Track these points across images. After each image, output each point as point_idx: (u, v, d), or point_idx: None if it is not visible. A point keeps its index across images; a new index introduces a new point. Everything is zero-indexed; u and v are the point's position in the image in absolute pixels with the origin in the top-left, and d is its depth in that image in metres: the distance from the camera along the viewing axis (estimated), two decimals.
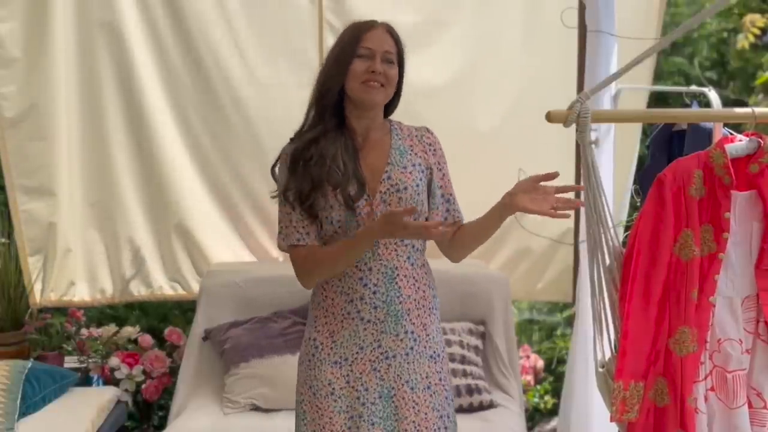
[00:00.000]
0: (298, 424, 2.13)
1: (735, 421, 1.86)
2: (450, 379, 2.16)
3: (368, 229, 1.97)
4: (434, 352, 2.11)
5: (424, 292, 2.10)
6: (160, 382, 3.68)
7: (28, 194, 3.58)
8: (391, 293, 2.04)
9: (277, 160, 2.12)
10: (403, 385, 2.06)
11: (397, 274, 2.05)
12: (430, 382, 2.09)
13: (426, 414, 2.06)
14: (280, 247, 2.12)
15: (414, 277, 2.08)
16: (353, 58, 2.04)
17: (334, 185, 2.01)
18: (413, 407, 2.06)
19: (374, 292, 2.04)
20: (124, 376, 3.59)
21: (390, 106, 2.15)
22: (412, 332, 2.07)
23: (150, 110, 3.62)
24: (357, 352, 2.06)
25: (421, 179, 2.09)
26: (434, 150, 2.15)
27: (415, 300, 2.07)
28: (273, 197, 2.13)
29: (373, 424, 2.04)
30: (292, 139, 2.12)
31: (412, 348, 2.07)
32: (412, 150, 2.11)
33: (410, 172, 2.07)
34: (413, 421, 2.05)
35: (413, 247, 2.08)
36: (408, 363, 2.06)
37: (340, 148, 2.04)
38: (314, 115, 2.09)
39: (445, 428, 2.09)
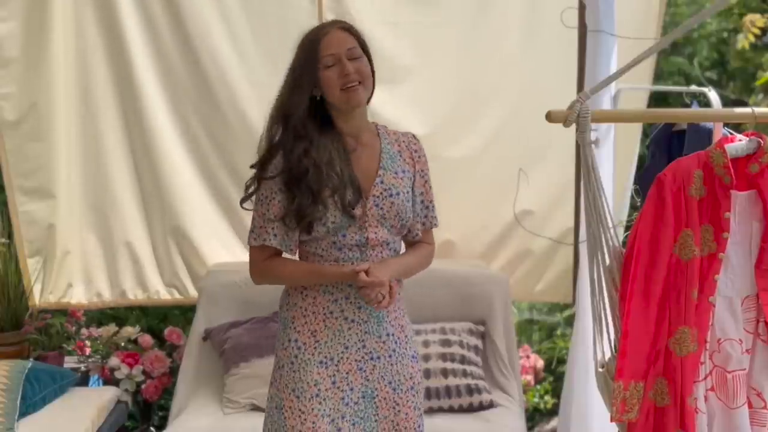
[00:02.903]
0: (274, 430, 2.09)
1: (735, 421, 1.87)
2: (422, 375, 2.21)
3: (342, 275, 2.02)
4: (414, 351, 2.16)
5: (398, 294, 2.13)
6: (160, 382, 3.68)
7: (27, 195, 3.57)
8: None
9: (249, 195, 2.12)
10: (385, 386, 2.08)
11: None
12: (413, 383, 2.12)
13: (407, 414, 2.10)
14: (250, 244, 2.12)
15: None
16: (320, 70, 2.02)
17: (332, 190, 2.01)
18: (393, 407, 2.09)
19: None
20: (124, 376, 3.59)
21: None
22: (393, 334, 2.10)
23: (149, 111, 3.60)
24: (342, 352, 2.07)
25: (409, 186, 2.11)
26: (419, 157, 2.15)
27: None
28: (244, 206, 2.15)
29: (354, 424, 2.06)
30: (256, 165, 2.10)
31: (394, 350, 2.10)
32: (400, 155, 2.12)
33: (401, 178, 2.09)
34: (392, 420, 2.09)
35: (395, 250, 2.12)
36: (392, 365, 2.09)
37: (333, 152, 2.03)
38: (281, 131, 2.06)
39: (420, 425, 2.14)
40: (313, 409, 2.04)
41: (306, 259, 2.11)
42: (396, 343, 2.10)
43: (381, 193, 2.05)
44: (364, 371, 2.07)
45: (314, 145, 2.02)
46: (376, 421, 2.08)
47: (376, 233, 2.05)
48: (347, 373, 2.06)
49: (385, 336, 2.08)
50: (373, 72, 2.10)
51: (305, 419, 2.03)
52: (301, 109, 2.03)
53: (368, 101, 2.13)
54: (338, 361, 2.06)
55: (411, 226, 2.14)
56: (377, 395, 2.08)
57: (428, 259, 2.22)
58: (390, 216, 2.06)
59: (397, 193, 2.06)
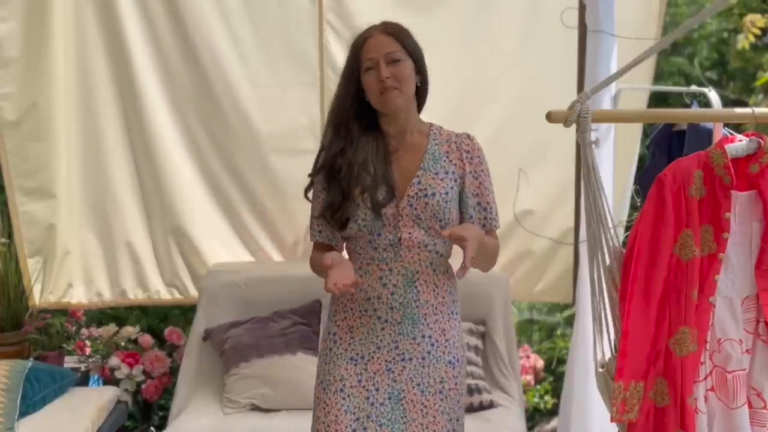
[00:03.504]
0: (313, 421, 2.15)
1: (735, 421, 1.87)
2: (465, 382, 2.16)
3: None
4: (453, 357, 2.10)
5: (443, 297, 2.10)
6: (160, 382, 3.68)
7: (27, 195, 3.57)
8: (409, 296, 2.05)
9: (309, 186, 2.16)
10: (413, 387, 2.07)
11: (417, 278, 2.06)
12: (443, 387, 2.09)
13: (435, 417, 2.07)
14: (310, 239, 2.20)
15: (435, 283, 2.08)
16: (361, 74, 2.06)
17: (362, 190, 2.04)
18: (421, 410, 2.07)
19: (392, 293, 2.05)
20: (124, 376, 3.59)
21: (419, 100, 2.15)
22: (430, 336, 2.07)
23: (149, 111, 3.61)
24: (374, 351, 2.07)
25: (452, 187, 2.08)
26: (471, 157, 2.13)
27: (433, 305, 2.08)
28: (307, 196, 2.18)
29: (381, 426, 2.05)
30: (316, 163, 2.14)
31: (429, 352, 2.07)
32: (447, 157, 2.11)
33: (441, 179, 2.08)
34: (421, 423, 2.06)
35: (437, 252, 2.09)
36: (423, 367, 2.07)
37: (370, 152, 2.06)
38: (331, 132, 2.11)
39: (453, 430, 2.10)
40: (336, 403, 2.05)
41: (350, 257, 2.14)
42: (432, 345, 2.07)
43: (416, 194, 2.05)
44: (393, 372, 2.06)
45: (353, 145, 2.06)
46: (404, 423, 2.06)
47: (410, 234, 2.04)
48: (374, 373, 2.06)
49: (420, 338, 2.07)
50: (422, 74, 2.11)
51: (329, 411, 2.06)
52: (347, 111, 2.07)
53: (422, 104, 2.16)
54: (368, 360, 2.07)
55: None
56: (404, 397, 2.07)
57: (497, 250, 2.16)
58: (425, 217, 2.05)
59: (433, 194, 2.05)
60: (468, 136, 2.16)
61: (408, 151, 2.10)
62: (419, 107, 2.16)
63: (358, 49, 2.08)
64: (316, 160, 2.14)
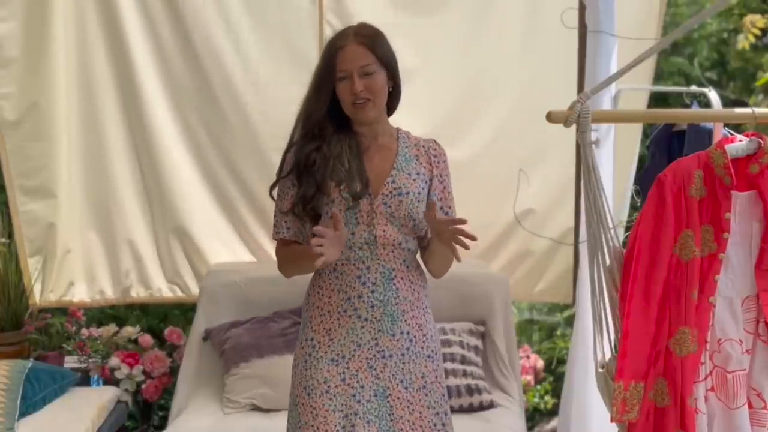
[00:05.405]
0: (291, 428, 2.14)
1: (735, 421, 1.87)
2: (443, 374, 2.19)
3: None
4: (432, 351, 2.14)
5: (418, 293, 2.14)
6: (160, 382, 3.69)
7: (28, 195, 3.57)
8: (389, 294, 2.08)
9: (273, 185, 2.16)
10: (397, 384, 2.09)
11: (395, 276, 2.09)
12: (426, 382, 2.12)
13: (421, 413, 2.10)
14: (273, 238, 2.18)
15: (410, 279, 2.12)
16: (334, 84, 2.06)
17: (337, 182, 2.05)
18: (408, 406, 2.09)
19: (372, 291, 2.07)
20: (124, 376, 3.60)
21: (391, 104, 2.17)
22: (408, 332, 2.10)
23: (149, 110, 3.61)
24: (354, 350, 2.08)
25: (423, 188, 2.12)
26: (438, 162, 2.18)
27: (410, 302, 2.11)
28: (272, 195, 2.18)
29: (368, 422, 2.06)
30: (283, 161, 2.15)
31: (408, 348, 2.10)
32: (417, 159, 2.15)
33: (414, 180, 2.11)
34: (408, 420, 2.08)
35: (409, 250, 2.12)
36: (404, 363, 2.10)
37: (344, 147, 2.08)
38: (302, 131, 2.12)
39: (443, 425, 2.12)
40: (323, 404, 2.07)
41: None
42: (411, 341, 2.10)
43: (390, 192, 2.08)
44: (375, 369, 2.08)
45: (326, 141, 2.08)
46: (392, 420, 2.08)
47: (384, 231, 2.07)
48: (357, 370, 2.08)
49: (399, 334, 2.09)
50: (395, 82, 2.12)
51: (317, 414, 2.06)
52: (320, 112, 2.09)
53: (393, 110, 2.18)
54: (349, 359, 2.08)
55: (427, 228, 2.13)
56: (390, 394, 2.09)
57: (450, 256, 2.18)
58: (399, 215, 2.07)
59: (407, 193, 2.08)
60: (435, 141, 2.21)
61: (379, 151, 2.13)
62: (391, 111, 2.18)
63: (332, 57, 2.07)
64: (284, 157, 2.14)
